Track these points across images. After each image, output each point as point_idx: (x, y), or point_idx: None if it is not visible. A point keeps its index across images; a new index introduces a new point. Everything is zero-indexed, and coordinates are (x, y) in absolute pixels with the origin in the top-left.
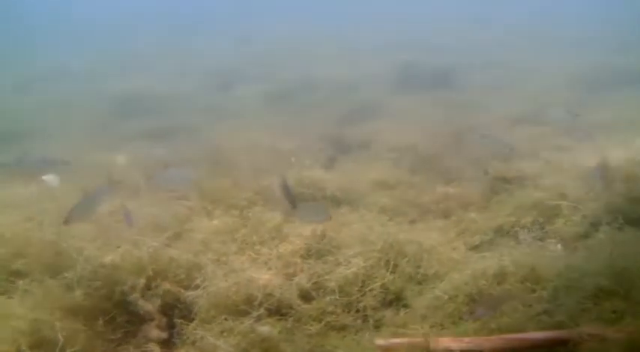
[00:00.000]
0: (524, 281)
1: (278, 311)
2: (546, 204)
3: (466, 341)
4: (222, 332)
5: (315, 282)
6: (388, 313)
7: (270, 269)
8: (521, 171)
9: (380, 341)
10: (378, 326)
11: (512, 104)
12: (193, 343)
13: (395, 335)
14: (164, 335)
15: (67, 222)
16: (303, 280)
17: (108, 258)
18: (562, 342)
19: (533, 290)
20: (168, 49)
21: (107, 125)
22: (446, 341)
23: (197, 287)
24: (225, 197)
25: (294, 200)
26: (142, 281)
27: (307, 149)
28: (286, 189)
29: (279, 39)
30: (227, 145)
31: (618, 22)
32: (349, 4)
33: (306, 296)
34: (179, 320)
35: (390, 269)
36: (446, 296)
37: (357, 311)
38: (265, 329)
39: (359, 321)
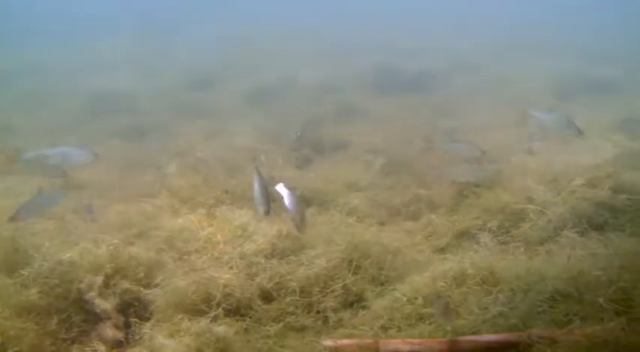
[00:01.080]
0: (483, 283)
1: (237, 311)
2: (513, 208)
3: (416, 343)
4: (178, 331)
5: (277, 282)
6: (348, 314)
7: (231, 268)
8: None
9: (327, 342)
10: (337, 327)
11: (487, 108)
12: (145, 343)
13: (343, 335)
14: (120, 334)
15: (13, 219)
16: (264, 280)
17: (66, 256)
18: (513, 345)
19: (490, 293)
20: (148, 46)
21: (80, 123)
22: (395, 343)
23: (156, 285)
24: (194, 195)
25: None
26: (100, 279)
27: (281, 149)
28: (263, 189)
29: (259, 38)
30: (199, 144)
31: (594, 31)
32: (330, 4)
33: (267, 297)
34: (134, 320)
35: (352, 271)
36: (404, 298)
37: (318, 312)
38: (221, 329)
39: (319, 322)
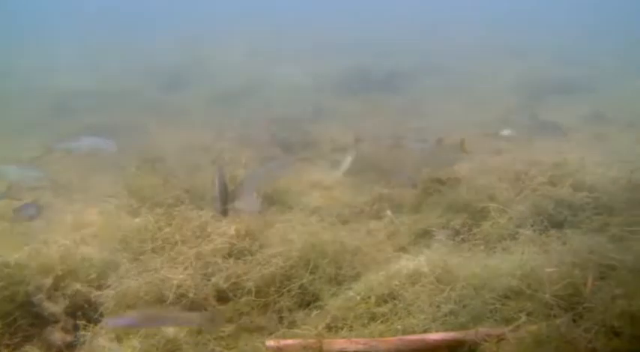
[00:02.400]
0: (437, 281)
1: (192, 312)
2: (476, 206)
3: (362, 343)
4: (126, 334)
5: (234, 282)
6: (303, 314)
7: (186, 268)
8: (455, 173)
9: (270, 342)
10: (291, 328)
11: (456, 108)
12: (88, 346)
13: (288, 335)
14: (69, 338)
15: None
16: (220, 280)
17: (13, 257)
18: (460, 343)
19: (444, 291)
20: (116, 46)
21: (44, 122)
22: (340, 343)
23: (108, 287)
24: (153, 194)
25: (226, 198)
26: (49, 281)
27: (246, 148)
28: (222, 186)
29: (230, 38)
30: (161, 143)
31: (564, 32)
32: (303, 5)
33: (222, 297)
34: (82, 322)
35: (309, 270)
36: (358, 297)
37: (273, 312)
38: (170, 330)
39: (273, 323)
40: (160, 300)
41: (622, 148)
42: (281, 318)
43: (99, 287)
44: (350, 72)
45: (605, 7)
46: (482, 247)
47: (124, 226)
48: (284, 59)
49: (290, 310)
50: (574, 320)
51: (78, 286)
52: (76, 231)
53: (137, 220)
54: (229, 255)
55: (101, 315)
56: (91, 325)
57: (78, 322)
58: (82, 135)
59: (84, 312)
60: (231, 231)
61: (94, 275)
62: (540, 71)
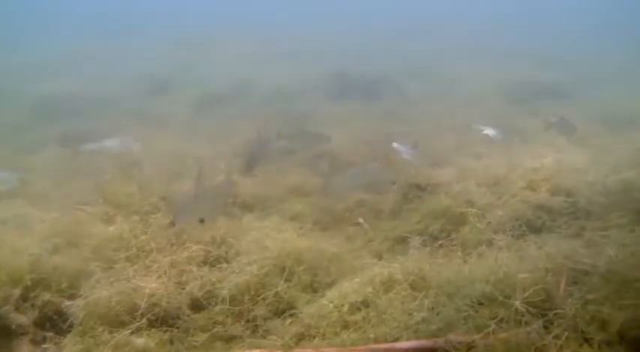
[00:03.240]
0: (412, 288)
1: (164, 321)
2: (455, 211)
3: None
4: (96, 345)
5: (208, 291)
6: (277, 323)
7: (160, 277)
8: (435, 178)
9: None
10: (265, 337)
11: (439, 113)
12: None
13: (253, 346)
14: (38, 350)
15: None
16: (195, 288)
17: None
18: (430, 351)
19: (416, 298)
20: (104, 49)
21: (20, 127)
22: None
23: (79, 297)
24: (129, 202)
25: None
26: (18, 291)
27: (227, 154)
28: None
29: (214, 42)
30: (141, 150)
31: (548, 37)
32: (288, 9)
33: (197, 306)
34: (50, 334)
35: (284, 277)
36: (331, 305)
37: (248, 320)
38: (140, 341)
39: (248, 331)
40: (133, 309)
41: (601, 152)
42: (255, 327)
43: (70, 297)
44: (334, 77)
45: (595, 12)
46: (459, 253)
47: (98, 234)
48: (266, 65)
49: (265, 318)
50: (545, 327)
51: (48, 296)
52: (49, 239)
53: (111, 228)
54: (204, 263)
55: (70, 326)
56: (59, 337)
57: (47, 333)
58: (107, 137)
59: (54, 323)
60: (207, 238)
61: (65, 285)
62: (524, 75)
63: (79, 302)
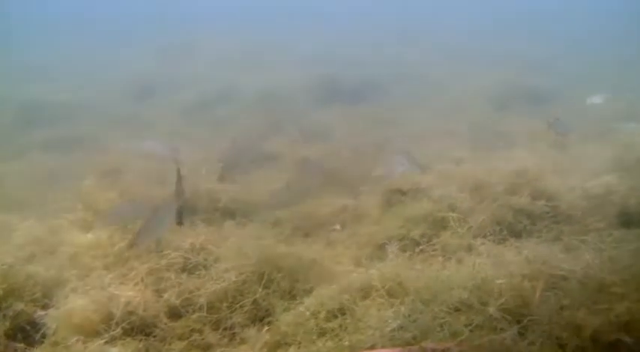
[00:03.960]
0: (390, 295)
1: (141, 330)
2: (436, 216)
3: None
4: None
5: (186, 298)
6: (254, 331)
7: (137, 284)
8: (417, 183)
9: None
10: (242, 344)
11: (426, 117)
12: None
13: None
14: None
15: None
16: (172, 296)
17: None
18: None
19: (394, 305)
20: (91, 55)
21: (6, 133)
22: None
23: (53, 306)
24: (109, 209)
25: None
26: None
27: (211, 160)
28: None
29: (202, 47)
30: (123, 155)
31: (535, 42)
32: (275, 14)
33: (174, 313)
34: (21, 345)
35: (263, 284)
36: (307, 313)
37: (225, 328)
38: (114, 350)
39: (225, 340)
40: (108, 318)
41: (582, 156)
42: (233, 335)
43: (44, 307)
44: (321, 82)
45: (588, 15)
46: (440, 258)
47: (76, 242)
48: (253, 69)
49: (242, 326)
50: (521, 333)
51: (21, 306)
52: (23, 247)
53: (89, 235)
54: (183, 270)
55: (43, 337)
56: (30, 348)
57: (18, 345)
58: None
59: (26, 334)
60: (186, 245)
61: (39, 294)
62: (513, 79)
63: (53, 311)
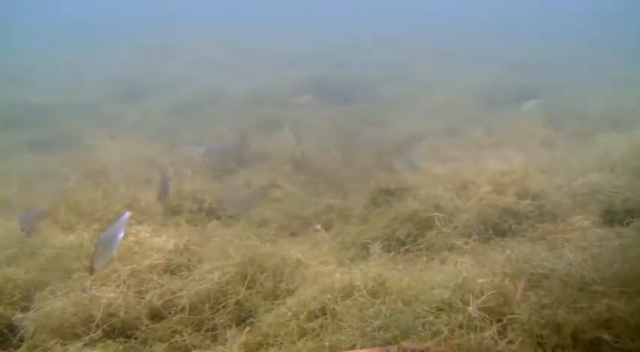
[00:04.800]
0: (373, 295)
1: (122, 332)
2: (422, 216)
3: None
4: None
5: (168, 300)
6: (236, 331)
7: (118, 286)
8: (404, 182)
9: None
10: (224, 346)
11: (414, 118)
12: None
13: None
14: None
15: None
16: (154, 297)
17: None
18: None
19: (376, 305)
20: (76, 56)
21: None
22: None
23: (32, 308)
24: (92, 210)
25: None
26: None
27: (197, 161)
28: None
29: (189, 48)
30: (107, 157)
31: (521, 42)
32: (262, 15)
33: (156, 315)
34: None
35: (246, 285)
36: (289, 313)
37: (207, 330)
38: None
39: (207, 341)
40: (88, 321)
41: (568, 155)
42: (215, 336)
43: (23, 310)
44: (309, 83)
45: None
46: (424, 258)
47: (57, 243)
48: (241, 70)
49: (225, 327)
50: (501, 332)
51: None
52: (2, 250)
53: (71, 237)
54: (166, 271)
55: (21, 340)
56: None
57: None
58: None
59: (4, 338)
60: (170, 245)
61: (17, 297)
62: (500, 80)
63: (31, 314)
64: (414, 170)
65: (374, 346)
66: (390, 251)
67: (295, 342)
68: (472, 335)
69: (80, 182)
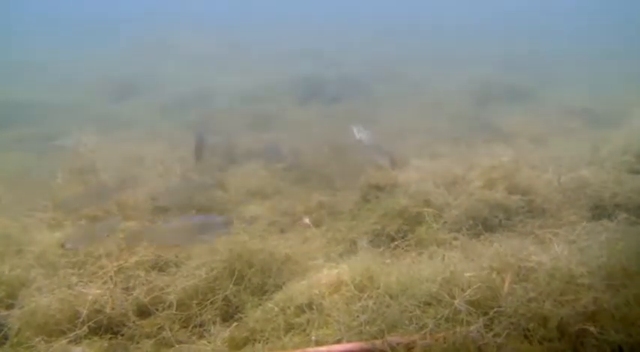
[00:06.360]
0: (360, 289)
1: (109, 328)
2: (412, 211)
3: None
4: None
5: (155, 296)
6: (225, 327)
7: (105, 283)
8: (394, 178)
9: None
10: (211, 342)
11: (405, 115)
12: None
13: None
14: None
15: None
16: (142, 294)
17: None
18: None
19: (364, 299)
20: (67, 54)
21: None
22: None
23: (17, 306)
24: (80, 207)
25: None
26: None
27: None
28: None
29: (180, 47)
30: (97, 154)
31: (513, 39)
32: (253, 13)
33: (144, 312)
34: None
35: (234, 281)
36: (276, 308)
37: (195, 326)
38: (78, 349)
39: (195, 337)
40: (74, 318)
41: (559, 151)
42: (202, 332)
43: (8, 307)
44: (301, 81)
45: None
46: (413, 253)
47: (44, 241)
48: (233, 68)
49: (213, 323)
50: (487, 325)
51: None
52: None
53: (58, 234)
54: (153, 268)
55: (5, 338)
56: None
57: None
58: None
59: None
60: None
61: (2, 294)
62: (491, 77)
63: (16, 311)
64: (391, 161)
65: (360, 340)
66: (379, 246)
67: (281, 337)
68: (458, 329)
69: (67, 179)
